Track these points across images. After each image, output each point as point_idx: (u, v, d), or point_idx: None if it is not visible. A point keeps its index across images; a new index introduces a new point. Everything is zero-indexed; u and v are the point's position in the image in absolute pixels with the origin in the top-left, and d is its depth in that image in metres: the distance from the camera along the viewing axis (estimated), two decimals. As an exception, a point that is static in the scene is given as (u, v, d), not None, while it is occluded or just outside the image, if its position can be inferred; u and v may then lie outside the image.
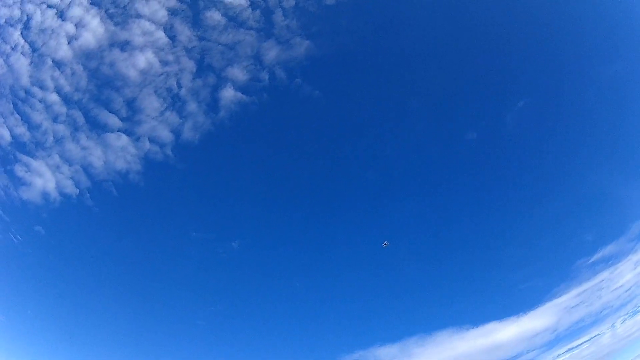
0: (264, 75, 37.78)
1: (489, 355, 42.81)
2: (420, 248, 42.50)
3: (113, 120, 39.41)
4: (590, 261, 40.71)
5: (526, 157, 39.42)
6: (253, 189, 40.81)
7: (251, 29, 37.94)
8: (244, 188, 40.62)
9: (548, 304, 42.11)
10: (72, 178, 40.43)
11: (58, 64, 42.03)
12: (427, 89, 37.93)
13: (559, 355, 43.86)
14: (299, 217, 41.81)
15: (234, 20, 38.36)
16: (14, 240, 42.83)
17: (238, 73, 37.90)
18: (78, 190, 40.31)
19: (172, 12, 39.89)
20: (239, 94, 37.78)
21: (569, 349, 43.64)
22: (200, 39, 38.50)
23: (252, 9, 38.22)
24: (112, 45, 40.52)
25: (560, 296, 42.04)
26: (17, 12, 45.51)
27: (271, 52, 37.46)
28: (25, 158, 41.84)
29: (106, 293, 43.62)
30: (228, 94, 38.10)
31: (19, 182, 41.95)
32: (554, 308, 42.09)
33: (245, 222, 41.73)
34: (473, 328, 42.02)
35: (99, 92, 40.01)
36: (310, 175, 40.62)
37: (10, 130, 42.54)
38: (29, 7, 45.39)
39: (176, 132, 39.07)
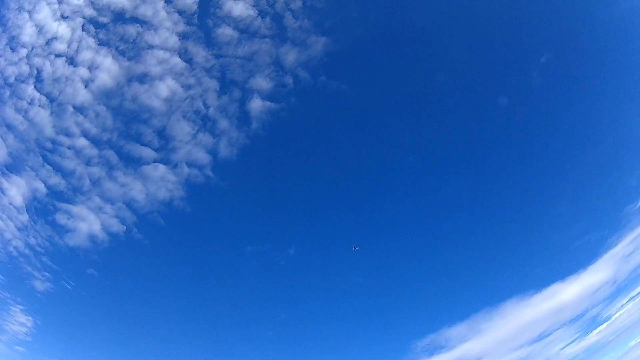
0: (288, 80, 38.35)
1: (555, 317, 43.38)
2: (472, 223, 42.90)
3: (147, 152, 39.87)
4: (638, 205, 40.63)
5: (557, 113, 39.92)
6: (299, 193, 41.39)
7: (265, 37, 38.57)
8: (290, 194, 41.19)
9: (604, 256, 42.13)
10: (116, 216, 40.81)
11: (79, 109, 42.47)
12: (450, 61, 38.60)
13: (622, 305, 43.96)
14: (349, 213, 42.30)
15: (246, 32, 38.99)
16: (68, 287, 43.24)
17: (262, 82, 38.51)
18: (125, 227, 40.70)
19: (183, 36, 40.47)
20: (267, 103, 38.36)
21: (631, 298, 43.59)
22: (217, 56, 39.07)
23: (262, 17, 38.85)
24: (130, 80, 41.00)
25: (614, 246, 41.93)
26: (25, 68, 46.02)
27: (290, 56, 38.13)
28: (64, 206, 42.18)
29: (170, 325, 43.95)
30: (256, 104, 38.68)
31: (62, 230, 42.33)
32: (611, 259, 42.12)
33: (297, 227, 42.26)
34: (537, 293, 42.41)
35: (127, 127, 40.44)
36: (353, 169, 41.10)
37: (44, 182, 42.90)
38: (37, 61, 45.90)
39: (212, 152, 39.56)
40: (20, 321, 47.10)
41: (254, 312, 43.95)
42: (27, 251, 43.96)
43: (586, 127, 39.94)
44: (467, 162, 41.13)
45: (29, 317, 46.35)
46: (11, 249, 45.25)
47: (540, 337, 44.45)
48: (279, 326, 43.82)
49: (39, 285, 44.65)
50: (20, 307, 46.20)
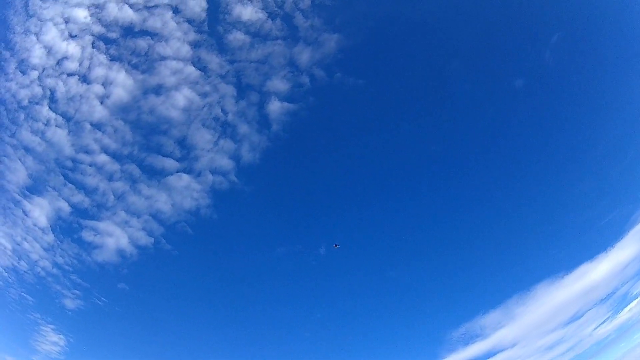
0: (304, 79, 38.44)
1: (586, 297, 43.17)
2: (499, 209, 42.74)
3: (169, 163, 40.05)
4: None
5: (575, 91, 39.74)
6: (325, 191, 41.42)
7: (277, 38, 38.74)
8: (316, 192, 41.27)
9: (631, 232, 41.80)
10: (143, 229, 41.02)
11: (97, 126, 42.66)
12: (463, 47, 38.67)
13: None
14: (377, 208, 42.18)
15: (257, 35, 39.16)
16: (99, 303, 43.47)
17: (278, 84, 38.64)
18: (153, 239, 40.89)
19: (195, 44, 40.65)
20: (285, 104, 38.48)
21: (661, 272, 42.84)
22: (231, 62, 39.23)
23: (272, 19, 39.00)
24: (145, 93, 41.18)
25: (640, 221, 41.47)
26: (38, 90, 46.20)
27: (304, 55, 38.26)
28: (90, 223, 42.41)
29: (204, 334, 44.13)
30: (274, 107, 38.81)
31: (90, 247, 42.56)
32: (637, 235, 41.67)
33: (326, 226, 42.15)
34: (567, 274, 42.14)
35: (147, 140, 40.64)
36: (377, 163, 41.01)
37: (68, 201, 43.11)
38: (49, 81, 46.10)
39: (235, 158, 39.68)
40: (52, 340, 47.37)
41: (289, 314, 44.16)
42: (55, 270, 44.24)
43: (605, 102, 39.97)
44: (486, 148, 41.28)
45: (61, 336, 46.65)
46: (39, 269, 45.54)
47: (573, 319, 44.48)
48: (316, 325, 44.01)
49: (69, 303, 44.93)
50: (52, 326, 46.42)
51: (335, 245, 39.03)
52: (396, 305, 44.70)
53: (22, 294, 45.73)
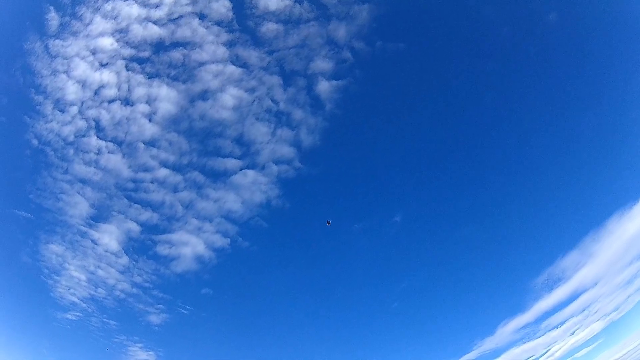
0: (346, 54, 39.24)
1: None
2: (565, 146, 42.79)
3: (231, 163, 41.06)
4: None
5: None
6: (393, 158, 41.74)
7: (309, 20, 39.69)
8: (383, 161, 41.75)
9: None
10: (217, 232, 42.03)
11: (150, 143, 43.79)
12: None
13: None
14: (449, 169, 42.26)
15: (289, 21, 40.19)
16: (184, 312, 44.51)
17: (322, 64, 39.58)
18: (229, 239, 41.87)
19: (229, 44, 41.72)
20: (334, 82, 39.29)
21: None
22: (270, 52, 40.28)
23: (299, 3, 39.95)
24: (192, 100, 42.28)
25: None
26: (81, 123, 47.37)
27: (340, 31, 39.20)
28: (162, 237, 43.51)
29: (291, 322, 44.96)
30: (323, 87, 39.64)
31: (166, 260, 43.62)
32: None
33: (399, 193, 42.37)
34: (635, 203, 40.99)
35: (204, 145, 41.72)
36: (440, 124, 41.00)
37: (136, 221, 44.26)
38: (91, 113, 47.31)
39: (295, 144, 40.56)
40: (141, 359, 48.28)
41: (375, 288, 44.88)
42: (135, 290, 45.28)
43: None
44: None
45: (150, 352, 47.54)
46: (117, 293, 46.60)
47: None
48: (402, 295, 44.57)
49: (154, 318, 45.96)
50: (139, 345, 47.25)
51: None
52: (476, 261, 45.13)
53: (104, 320, 46.86)
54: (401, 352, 46.98)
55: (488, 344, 44.32)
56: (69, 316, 45.39)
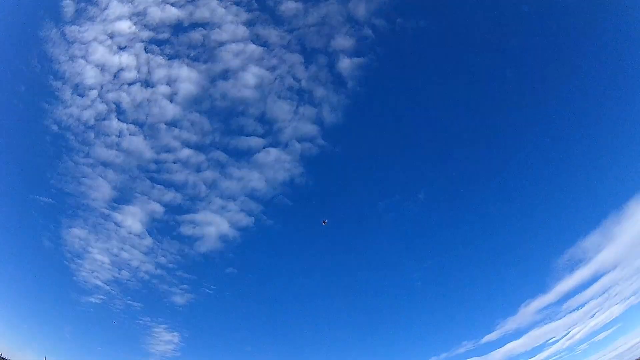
0: (367, 31, 39.30)
1: None
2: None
3: (254, 141, 41.36)
4: None
5: None
6: (416, 134, 42.01)
7: (328, -4, 39.53)
8: (407, 137, 42.02)
9: None
10: (241, 210, 42.40)
11: (172, 124, 44.05)
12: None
13: None
14: (471, 146, 42.23)
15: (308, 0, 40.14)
16: (209, 291, 44.98)
17: (343, 42, 39.71)
18: (253, 218, 42.24)
19: (249, 23, 41.82)
20: (355, 59, 39.47)
21: None
22: (290, 31, 40.38)
23: (319, -19, 39.88)
24: (213, 80, 42.44)
25: None
26: (102, 107, 47.51)
27: (360, 8, 39.29)
28: (186, 217, 43.89)
29: (315, 298, 45.20)
30: (344, 64, 39.80)
31: (190, 240, 44.01)
32: None
33: (422, 170, 42.77)
34: None
35: (226, 125, 41.98)
36: (463, 100, 40.91)
37: (159, 202, 44.64)
38: (111, 96, 47.47)
39: (318, 122, 40.78)
40: (166, 339, 48.50)
41: (398, 266, 45.05)
42: (159, 271, 45.72)
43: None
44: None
45: (175, 333, 47.75)
46: (141, 274, 46.95)
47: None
48: (426, 273, 44.66)
49: (178, 299, 46.38)
50: (164, 326, 47.37)
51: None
52: (500, 240, 45.13)
53: (128, 302, 47.05)
54: (424, 331, 47.50)
55: (510, 324, 44.38)
56: (92, 299, 45.73)
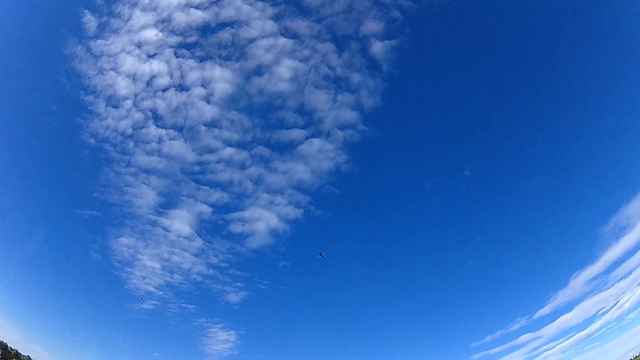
0: (395, 13, 39.28)
1: None
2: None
3: (296, 133, 41.67)
4: None
5: None
6: (459, 112, 41.71)
7: (353, -17, 39.33)
8: (449, 116, 41.79)
9: None
10: (289, 203, 42.80)
11: (212, 124, 44.50)
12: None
13: None
14: (518, 122, 41.89)
15: (333, -13, 39.87)
16: (263, 287, 45.45)
17: (372, 26, 39.71)
18: (301, 210, 42.61)
19: (276, 17, 41.91)
20: (387, 42, 39.50)
21: None
22: (318, 21, 40.41)
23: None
24: (247, 77, 42.70)
25: None
26: (138, 115, 47.97)
27: (387, -9, 38.80)
28: (234, 215, 44.42)
29: (368, 283, 45.28)
30: (377, 47, 39.80)
31: (240, 237, 44.53)
32: None
33: (467, 148, 42.76)
34: None
35: (266, 120, 42.23)
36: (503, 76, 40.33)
37: (206, 202, 45.23)
38: (146, 104, 47.99)
39: (358, 108, 40.95)
40: (222, 339, 49.08)
41: (449, 245, 45.07)
42: (211, 272, 46.36)
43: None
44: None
45: (231, 332, 48.26)
46: (194, 276, 47.69)
47: None
48: (476, 251, 44.71)
49: (233, 297, 46.99)
50: (220, 325, 48.06)
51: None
52: (548, 211, 45.02)
53: (182, 304, 47.86)
54: (478, 310, 47.67)
55: (561, 297, 44.32)
56: (145, 306, 46.67)
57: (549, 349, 43.43)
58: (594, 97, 42.82)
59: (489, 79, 41.13)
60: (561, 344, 43.46)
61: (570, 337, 43.54)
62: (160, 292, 48.69)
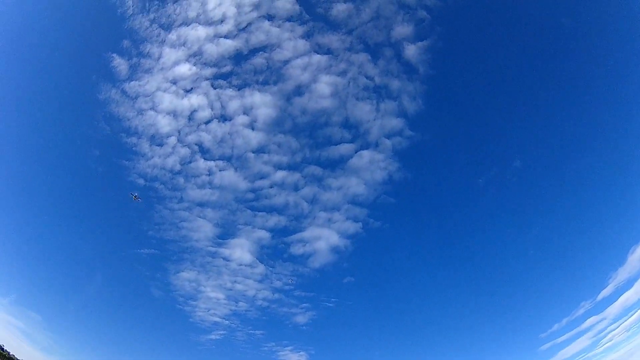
0: (422, 14, 38.43)
1: None
2: None
3: (345, 148, 41.35)
4: None
5: None
6: (504, 104, 40.43)
7: (377, -9, 38.59)
8: (495, 107, 40.60)
9: None
10: (347, 219, 42.50)
11: (259, 150, 44.61)
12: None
13: None
14: (568, 109, 40.45)
15: (356, -2, 39.18)
16: (330, 305, 45.17)
17: (402, 30, 39.00)
18: (360, 224, 42.31)
19: (306, 36, 41.52)
20: (419, 43, 38.80)
21: None
22: (348, 33, 39.94)
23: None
24: (288, 99, 42.50)
25: None
26: (184, 150, 48.44)
27: (411, -5, 37.93)
28: (294, 237, 44.41)
29: (436, 291, 44.44)
30: (411, 51, 39.13)
31: (302, 258, 44.49)
32: None
33: (516, 139, 41.47)
34: None
35: (313, 138, 42.09)
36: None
37: (264, 228, 45.37)
38: (191, 138, 48.37)
39: (402, 114, 40.44)
40: (293, 360, 49.02)
41: (508, 237, 43.93)
42: (276, 295, 46.49)
43: None
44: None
45: (302, 353, 48.05)
46: (259, 302, 47.92)
47: None
48: (536, 241, 43.63)
49: (300, 318, 46.95)
50: (289, 348, 47.99)
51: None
52: (602, 188, 43.38)
53: (250, 331, 48.17)
54: (542, 300, 46.38)
55: (621, 274, 42.60)
56: (212, 337, 47.06)
57: (614, 329, 42.49)
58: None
59: (538, 71, 39.53)
60: (624, 322, 42.23)
61: (632, 314, 42.13)
62: (227, 322, 49.06)
